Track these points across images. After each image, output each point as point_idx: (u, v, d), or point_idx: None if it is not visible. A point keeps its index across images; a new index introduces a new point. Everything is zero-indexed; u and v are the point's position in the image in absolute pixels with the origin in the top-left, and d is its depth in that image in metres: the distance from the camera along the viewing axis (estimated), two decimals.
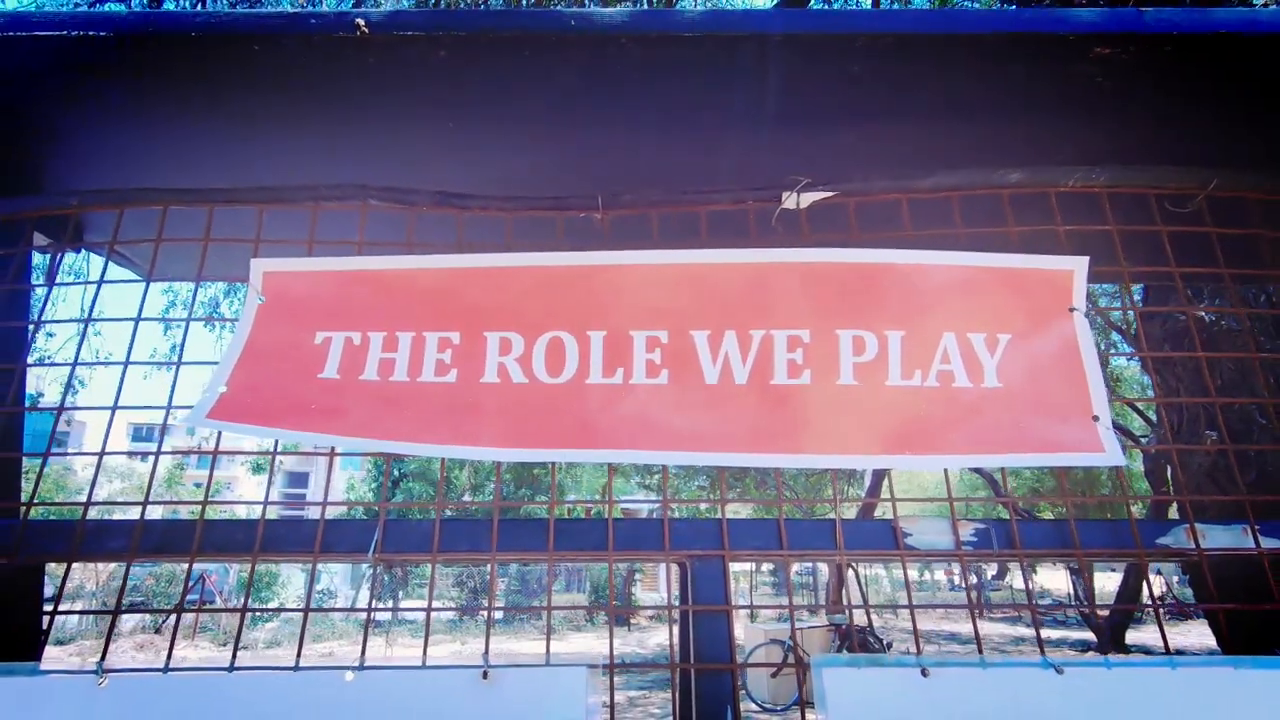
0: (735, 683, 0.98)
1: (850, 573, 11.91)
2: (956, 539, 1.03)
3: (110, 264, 1.31)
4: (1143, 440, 8.71)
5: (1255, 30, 0.93)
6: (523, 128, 1.16)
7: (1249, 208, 1.18)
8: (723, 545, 1.02)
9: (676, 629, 1.03)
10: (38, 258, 1.45)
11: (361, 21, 0.95)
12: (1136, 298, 3.52)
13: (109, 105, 1.13)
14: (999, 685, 0.92)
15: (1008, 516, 1.06)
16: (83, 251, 1.50)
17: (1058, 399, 1.08)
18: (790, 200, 1.21)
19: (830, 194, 1.20)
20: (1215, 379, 2.99)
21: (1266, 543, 1.00)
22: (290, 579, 18.45)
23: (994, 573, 23.59)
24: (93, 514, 1.05)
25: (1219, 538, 1.01)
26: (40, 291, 1.95)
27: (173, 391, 1.11)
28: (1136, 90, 1.08)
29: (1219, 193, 1.17)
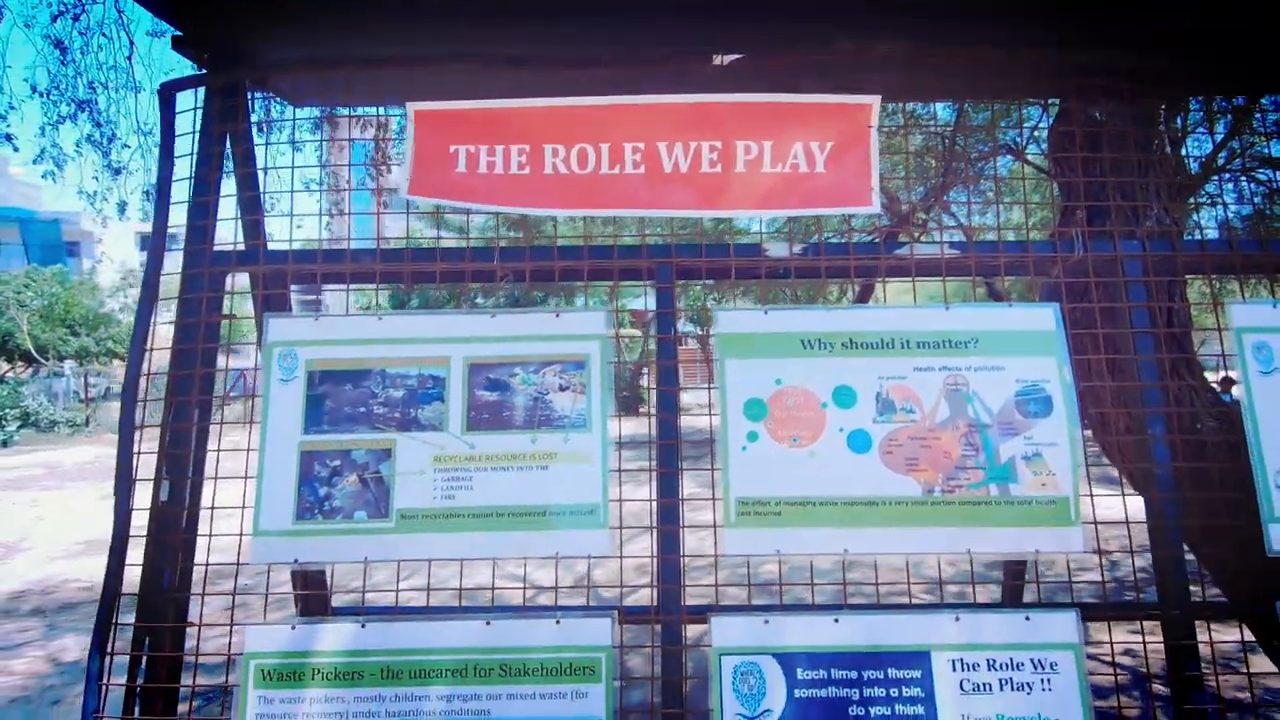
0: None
1: None
2: (790, 250, 2.00)
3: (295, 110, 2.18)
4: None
5: None
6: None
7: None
8: (671, 255, 2.00)
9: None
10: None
11: None
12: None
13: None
14: (810, 317, 1.94)
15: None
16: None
17: (855, 177, 1.99)
18: (718, 60, 2.04)
19: (741, 56, 2.02)
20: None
21: (950, 251, 1.97)
22: None
23: None
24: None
25: (923, 249, 1.98)
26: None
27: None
28: None
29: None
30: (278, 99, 2.29)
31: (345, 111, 2.99)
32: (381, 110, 2.60)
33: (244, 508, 1.83)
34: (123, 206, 6.28)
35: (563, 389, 1.91)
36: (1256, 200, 5.71)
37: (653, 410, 1.93)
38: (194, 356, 1.93)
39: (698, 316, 16.69)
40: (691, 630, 1.88)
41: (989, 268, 2.01)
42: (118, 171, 5.34)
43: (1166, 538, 1.82)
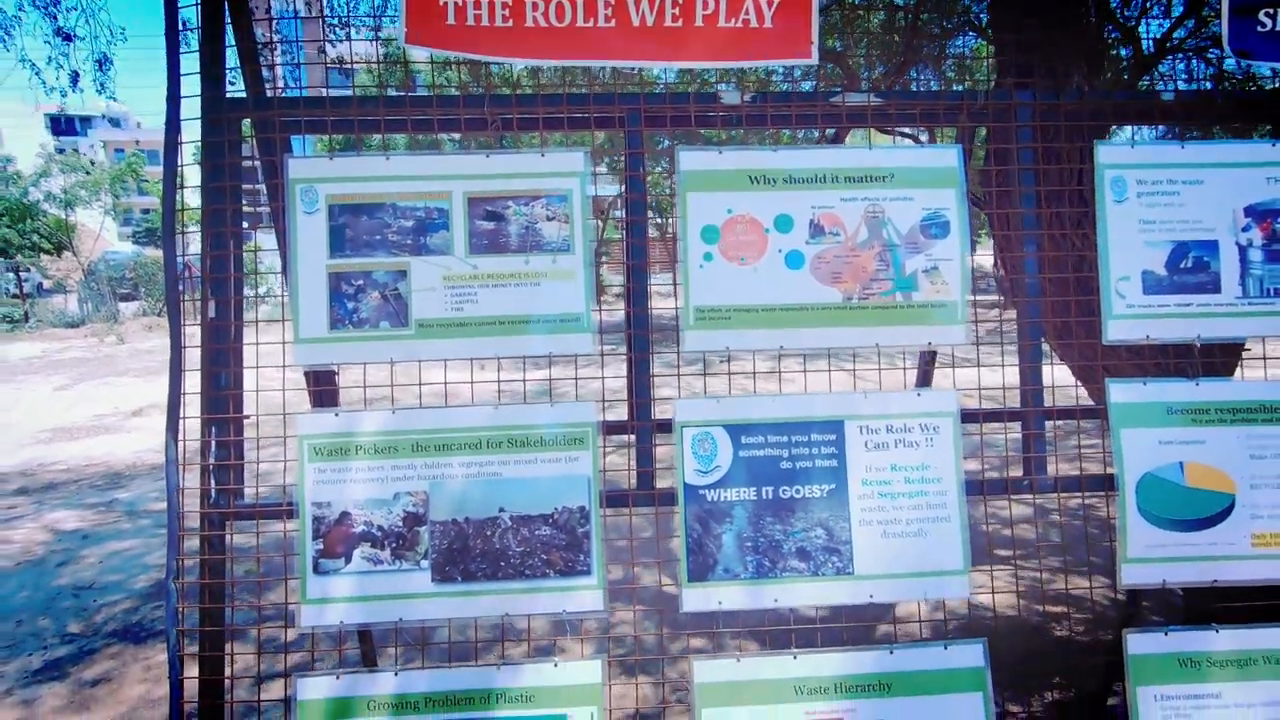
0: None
1: None
2: (742, 99, 2.32)
3: None
4: None
5: None
6: None
7: None
8: (639, 103, 2.30)
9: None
10: None
11: None
12: None
13: None
14: (757, 157, 2.30)
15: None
16: None
17: (798, 31, 2.30)
18: None
19: None
20: None
21: (875, 99, 2.32)
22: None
23: None
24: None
25: (853, 97, 2.32)
26: None
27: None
28: None
29: None
30: None
31: None
32: None
33: (283, 321, 2.18)
34: (75, 77, 6.06)
35: (549, 219, 2.26)
36: (1206, 82, 6.11)
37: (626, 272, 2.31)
38: (224, 193, 2.20)
39: (657, 204, 16.85)
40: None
41: (907, 115, 2.38)
42: (68, 38, 5.16)
43: (1028, 331, 2.33)
